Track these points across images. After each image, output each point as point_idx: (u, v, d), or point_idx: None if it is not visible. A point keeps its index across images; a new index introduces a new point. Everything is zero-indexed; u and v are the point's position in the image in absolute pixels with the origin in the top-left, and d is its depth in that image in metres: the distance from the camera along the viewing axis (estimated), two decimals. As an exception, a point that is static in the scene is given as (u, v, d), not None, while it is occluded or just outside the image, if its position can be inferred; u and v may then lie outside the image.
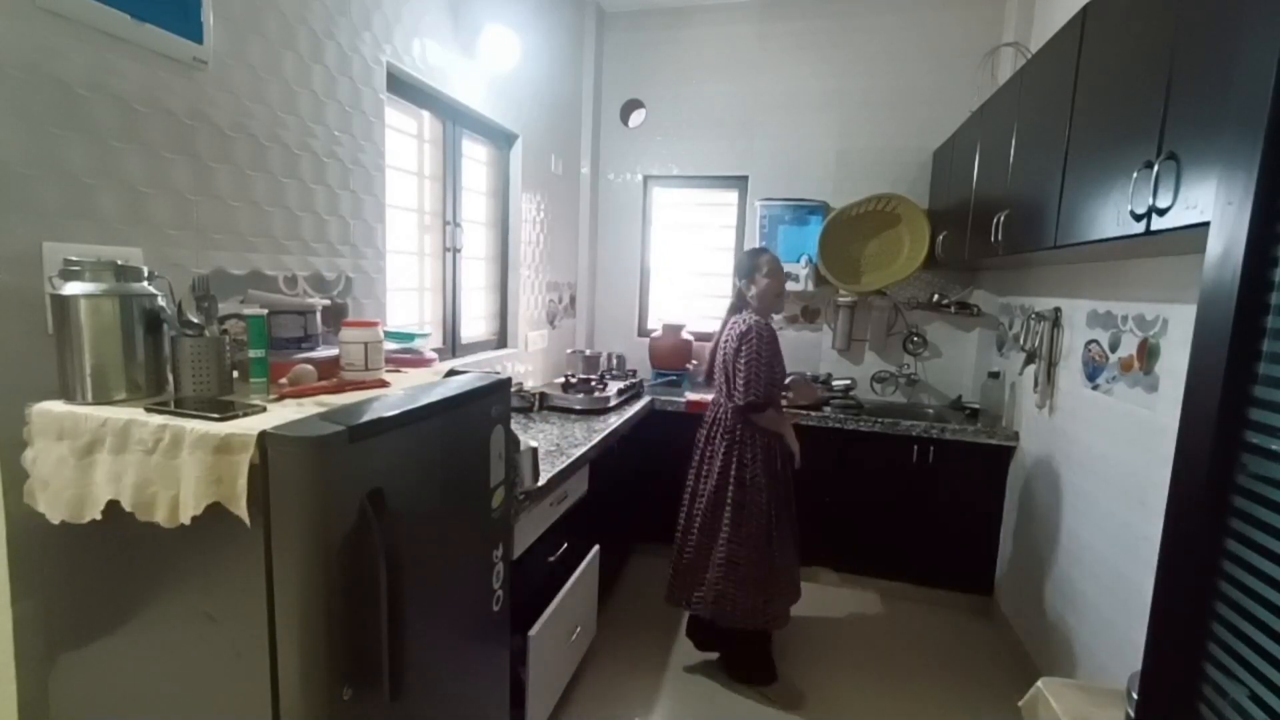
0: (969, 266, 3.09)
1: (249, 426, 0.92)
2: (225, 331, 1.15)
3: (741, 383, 2.05)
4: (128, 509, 0.95)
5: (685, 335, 3.45)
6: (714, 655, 2.36)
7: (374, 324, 1.35)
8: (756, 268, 2.17)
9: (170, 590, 1.00)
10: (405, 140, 2.17)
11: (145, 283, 1.08)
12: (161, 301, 1.09)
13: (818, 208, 3.32)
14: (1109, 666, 1.77)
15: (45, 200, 1.07)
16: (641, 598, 2.83)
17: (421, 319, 2.34)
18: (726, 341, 2.15)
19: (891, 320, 3.31)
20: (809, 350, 3.47)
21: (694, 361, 3.48)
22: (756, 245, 2.54)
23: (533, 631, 1.70)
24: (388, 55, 1.89)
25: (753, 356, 2.04)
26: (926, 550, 2.82)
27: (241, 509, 0.89)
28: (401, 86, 2.04)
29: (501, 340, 2.94)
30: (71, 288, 1.00)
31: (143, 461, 0.94)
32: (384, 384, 1.27)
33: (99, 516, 0.97)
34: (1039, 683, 1.42)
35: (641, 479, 3.07)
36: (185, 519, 0.91)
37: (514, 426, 1.53)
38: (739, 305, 2.21)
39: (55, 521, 0.99)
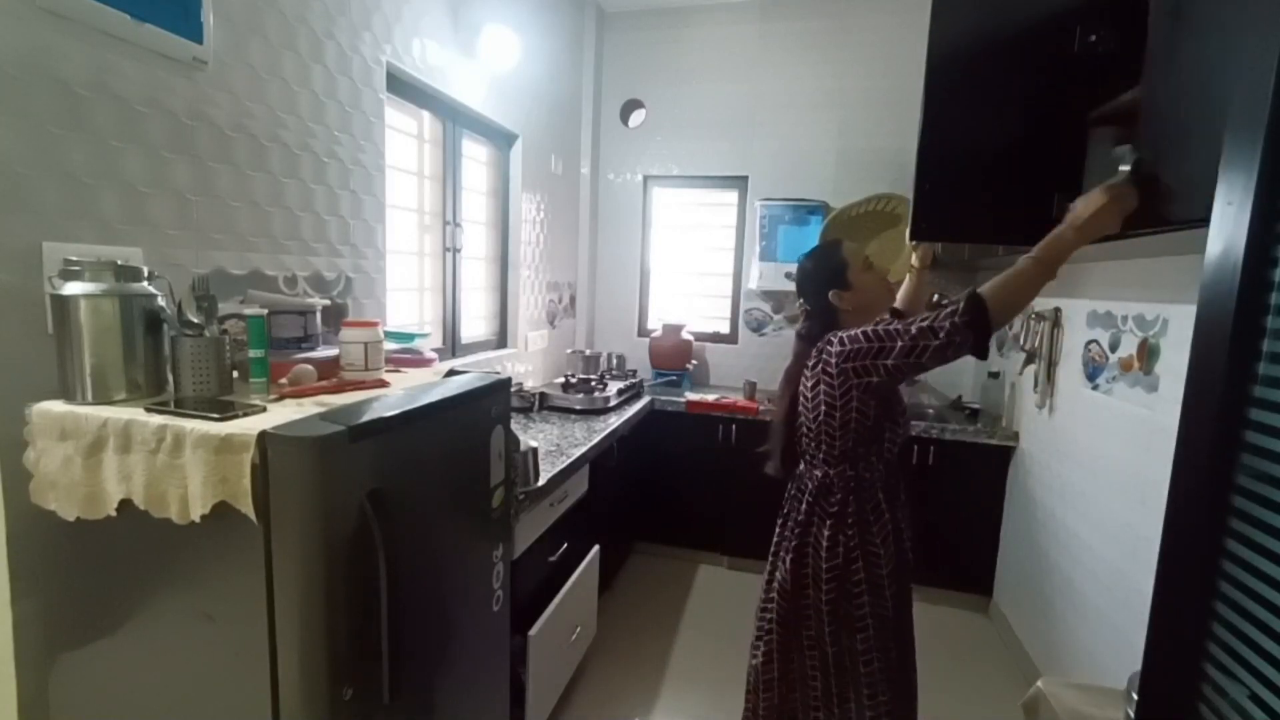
0: (969, 266, 3.09)
1: (249, 426, 0.92)
2: (225, 331, 1.15)
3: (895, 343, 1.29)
4: (141, 506, 0.95)
5: (685, 335, 3.45)
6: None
7: (374, 324, 1.35)
8: (844, 264, 1.45)
9: (170, 590, 1.00)
10: (405, 140, 2.17)
11: (145, 283, 1.08)
12: (161, 301, 1.10)
13: (818, 208, 3.32)
14: (1109, 666, 1.77)
15: (45, 200, 1.07)
16: (641, 598, 2.83)
17: (421, 319, 2.34)
18: (805, 387, 1.44)
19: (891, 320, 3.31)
20: (809, 350, 3.47)
21: (693, 362, 3.48)
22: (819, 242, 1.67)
23: (533, 631, 1.70)
24: (387, 55, 1.89)
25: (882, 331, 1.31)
26: (926, 550, 2.81)
27: (248, 507, 0.90)
28: (401, 86, 2.04)
29: (501, 340, 2.94)
30: (71, 288, 1.00)
31: (149, 461, 0.94)
32: (384, 384, 1.27)
33: (114, 513, 0.98)
34: (1039, 683, 1.42)
35: (641, 479, 3.07)
36: (196, 516, 0.92)
37: (514, 426, 1.53)
38: (818, 329, 1.47)
39: (70, 519, 0.99)
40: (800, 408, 1.47)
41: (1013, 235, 1.57)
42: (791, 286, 3.29)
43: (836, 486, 1.42)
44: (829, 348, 1.39)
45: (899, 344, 1.28)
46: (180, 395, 1.08)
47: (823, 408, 1.41)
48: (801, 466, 1.51)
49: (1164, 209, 1.07)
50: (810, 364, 1.44)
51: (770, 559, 1.55)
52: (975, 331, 1.21)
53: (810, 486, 1.46)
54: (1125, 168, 1.05)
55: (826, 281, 1.46)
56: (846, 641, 1.41)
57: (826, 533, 1.41)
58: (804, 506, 1.47)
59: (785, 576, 1.47)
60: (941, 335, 1.23)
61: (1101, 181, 1.18)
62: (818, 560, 1.42)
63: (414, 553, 1.11)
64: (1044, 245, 1.19)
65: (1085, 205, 1.14)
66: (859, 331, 1.34)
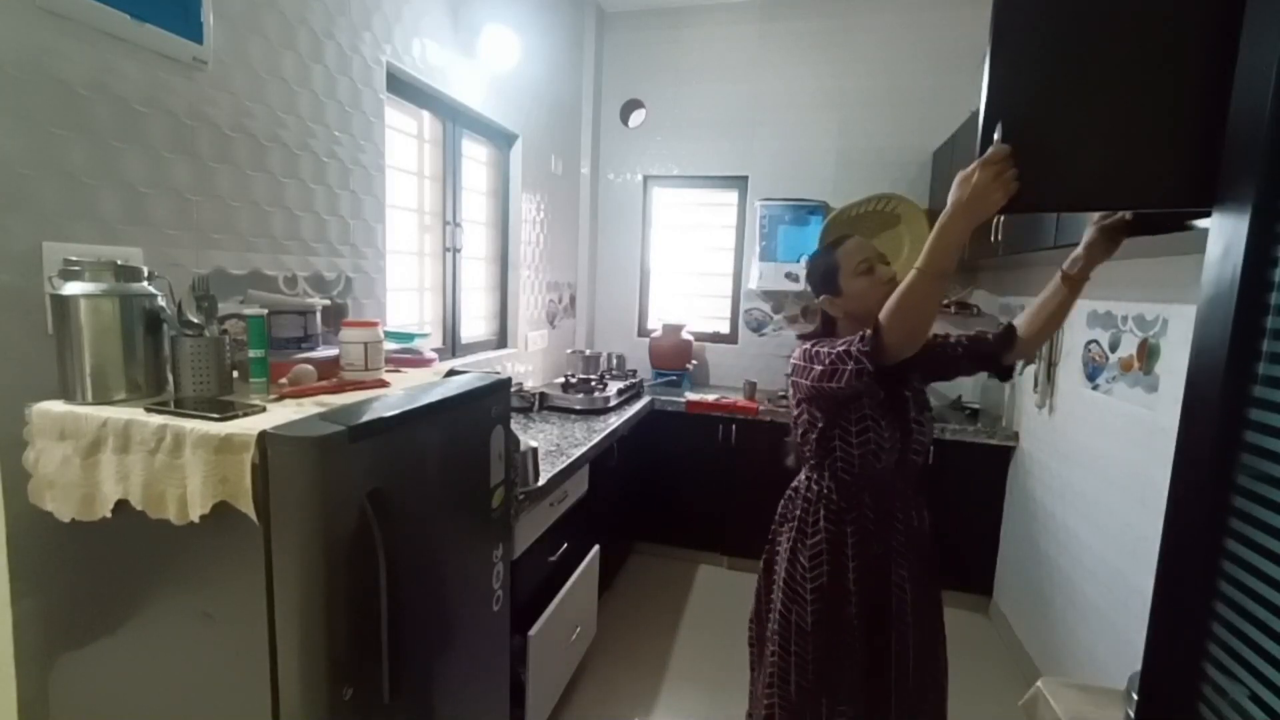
0: (969, 266, 3.09)
1: (249, 426, 0.92)
2: (225, 331, 1.15)
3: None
4: (138, 507, 0.95)
5: (685, 335, 3.45)
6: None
7: (374, 324, 1.35)
8: (835, 267, 1.38)
9: (170, 590, 1.00)
10: (405, 140, 2.17)
11: (145, 283, 1.08)
12: (161, 301, 1.09)
13: (818, 208, 3.32)
14: (1109, 666, 1.77)
15: (45, 200, 1.07)
16: (641, 598, 2.83)
17: (421, 319, 2.34)
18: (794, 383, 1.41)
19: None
20: (809, 350, 3.47)
21: (693, 362, 3.48)
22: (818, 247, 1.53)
23: (533, 631, 1.70)
24: (387, 55, 1.89)
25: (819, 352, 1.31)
26: (926, 550, 2.82)
27: (249, 507, 0.90)
28: (401, 86, 2.04)
29: (501, 340, 2.94)
30: (71, 288, 1.00)
31: (148, 461, 0.94)
32: (384, 384, 1.27)
33: (109, 515, 0.97)
34: (1039, 683, 1.42)
35: (641, 479, 3.07)
36: (195, 516, 0.92)
37: (514, 426, 1.53)
38: (818, 331, 1.45)
39: (65, 520, 0.99)
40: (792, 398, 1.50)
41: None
42: (792, 286, 3.31)
43: (799, 493, 1.45)
44: (791, 358, 1.42)
45: (819, 367, 1.28)
46: (180, 395, 1.08)
47: (793, 414, 1.46)
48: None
49: (1038, 183, 0.96)
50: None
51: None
52: (870, 358, 1.18)
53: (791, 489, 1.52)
54: (998, 136, 0.96)
55: (819, 286, 1.42)
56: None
57: (792, 537, 1.43)
58: (779, 509, 1.52)
59: (760, 578, 1.56)
60: (850, 361, 1.21)
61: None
62: (788, 567, 1.43)
63: (414, 553, 1.11)
64: (928, 248, 1.11)
65: (963, 187, 1.01)
66: (804, 348, 1.35)
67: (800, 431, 1.43)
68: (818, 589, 1.36)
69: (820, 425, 1.37)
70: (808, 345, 1.35)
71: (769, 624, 1.47)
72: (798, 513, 1.43)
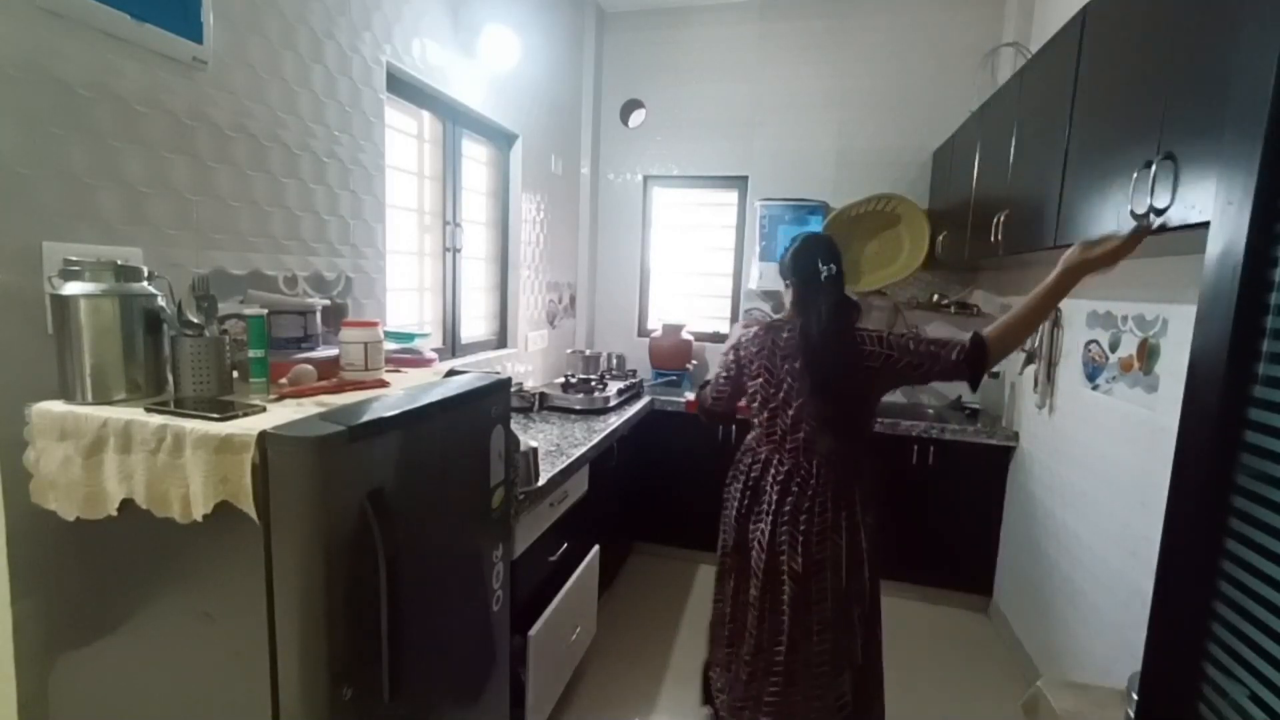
0: (969, 266, 3.09)
1: (249, 426, 0.92)
2: (225, 331, 1.15)
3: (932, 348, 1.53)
4: (143, 506, 0.95)
5: (685, 335, 3.45)
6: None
7: (374, 324, 1.35)
8: (834, 254, 1.66)
9: (170, 590, 1.00)
10: (405, 140, 2.17)
11: (145, 283, 1.08)
12: (161, 301, 1.09)
13: (818, 208, 3.32)
14: (1109, 666, 1.77)
15: (45, 200, 1.07)
16: (641, 598, 2.83)
17: (421, 319, 2.34)
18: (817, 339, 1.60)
19: (892, 320, 3.30)
20: (809, 350, 3.47)
21: (693, 362, 3.48)
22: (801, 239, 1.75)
23: (533, 631, 1.70)
24: (387, 55, 1.89)
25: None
26: (926, 550, 2.82)
27: (249, 506, 0.90)
28: (401, 86, 2.04)
29: (501, 340, 2.94)
30: (71, 288, 1.00)
31: (149, 461, 0.94)
32: (384, 384, 1.27)
33: (115, 513, 0.97)
34: (1039, 683, 1.42)
35: (641, 479, 3.07)
36: (198, 515, 0.92)
37: (514, 426, 1.53)
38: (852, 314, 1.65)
39: (70, 519, 0.99)
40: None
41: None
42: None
43: (825, 472, 1.68)
44: (865, 345, 1.59)
45: (906, 359, 1.54)
46: (180, 395, 1.08)
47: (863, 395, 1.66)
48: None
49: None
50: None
51: None
52: (971, 371, 1.47)
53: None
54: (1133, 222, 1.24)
55: (828, 258, 1.64)
56: None
57: (856, 510, 1.65)
58: (792, 499, 1.71)
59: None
60: (943, 365, 1.50)
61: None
62: (849, 537, 1.67)
63: (414, 553, 1.11)
64: (1048, 292, 1.36)
65: (1101, 247, 1.30)
66: (883, 334, 1.57)
67: (854, 409, 1.64)
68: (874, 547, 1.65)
69: (872, 400, 1.66)
70: (883, 331, 1.58)
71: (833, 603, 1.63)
72: (840, 488, 1.63)
